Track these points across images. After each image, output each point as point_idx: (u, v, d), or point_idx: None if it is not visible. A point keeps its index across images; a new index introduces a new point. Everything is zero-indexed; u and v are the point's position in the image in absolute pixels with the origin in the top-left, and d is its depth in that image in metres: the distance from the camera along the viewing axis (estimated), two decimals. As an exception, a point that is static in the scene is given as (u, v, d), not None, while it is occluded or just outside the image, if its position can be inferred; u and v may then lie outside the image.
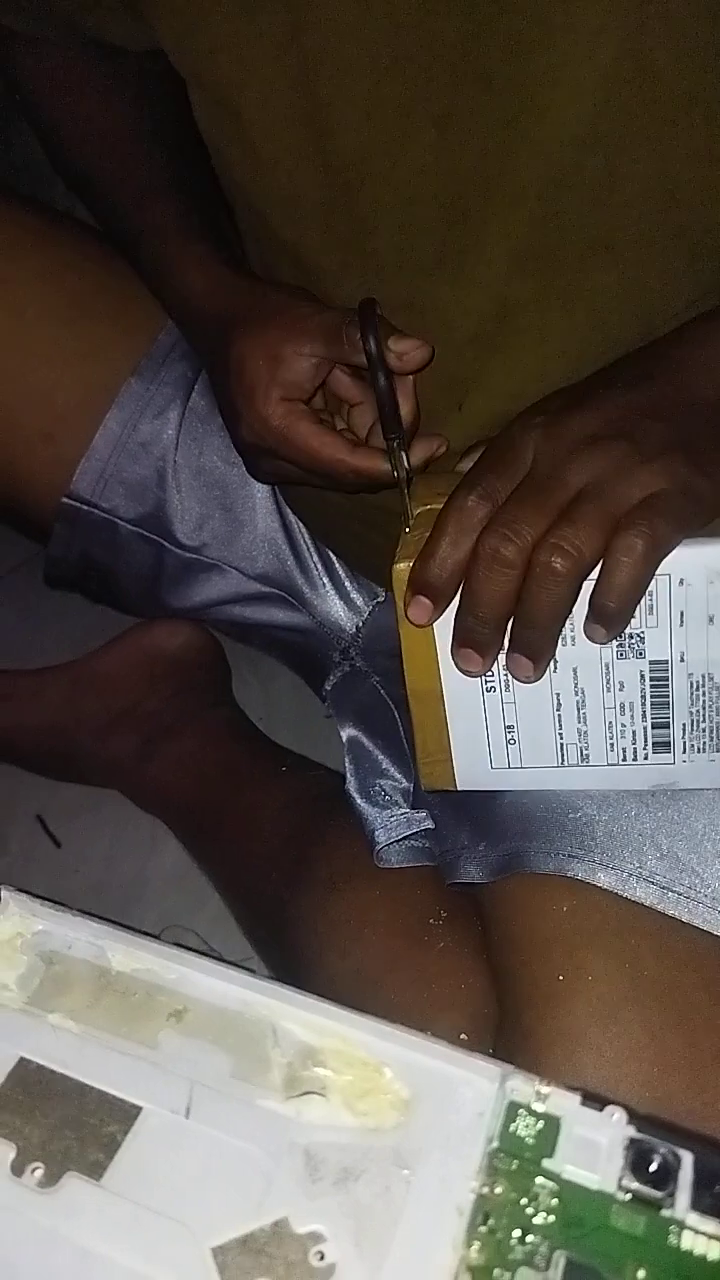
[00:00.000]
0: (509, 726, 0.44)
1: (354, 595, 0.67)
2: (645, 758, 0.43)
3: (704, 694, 0.41)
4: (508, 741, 0.44)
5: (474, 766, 0.45)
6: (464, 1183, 0.24)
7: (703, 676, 0.41)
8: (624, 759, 0.44)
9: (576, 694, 0.42)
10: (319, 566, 0.67)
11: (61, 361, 0.62)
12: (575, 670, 0.42)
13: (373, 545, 0.59)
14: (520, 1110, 0.25)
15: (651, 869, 0.44)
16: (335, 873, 0.58)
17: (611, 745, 0.43)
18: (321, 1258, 0.23)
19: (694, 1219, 0.24)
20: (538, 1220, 0.24)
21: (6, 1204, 0.23)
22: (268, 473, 0.52)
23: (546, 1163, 0.24)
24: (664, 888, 0.44)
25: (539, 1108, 0.25)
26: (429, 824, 0.56)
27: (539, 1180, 0.24)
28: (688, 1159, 0.25)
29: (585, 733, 0.43)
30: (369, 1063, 0.26)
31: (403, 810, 0.57)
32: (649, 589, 0.39)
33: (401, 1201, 0.24)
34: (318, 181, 0.47)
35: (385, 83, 0.43)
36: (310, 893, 0.58)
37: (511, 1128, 0.25)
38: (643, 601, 0.39)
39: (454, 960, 0.51)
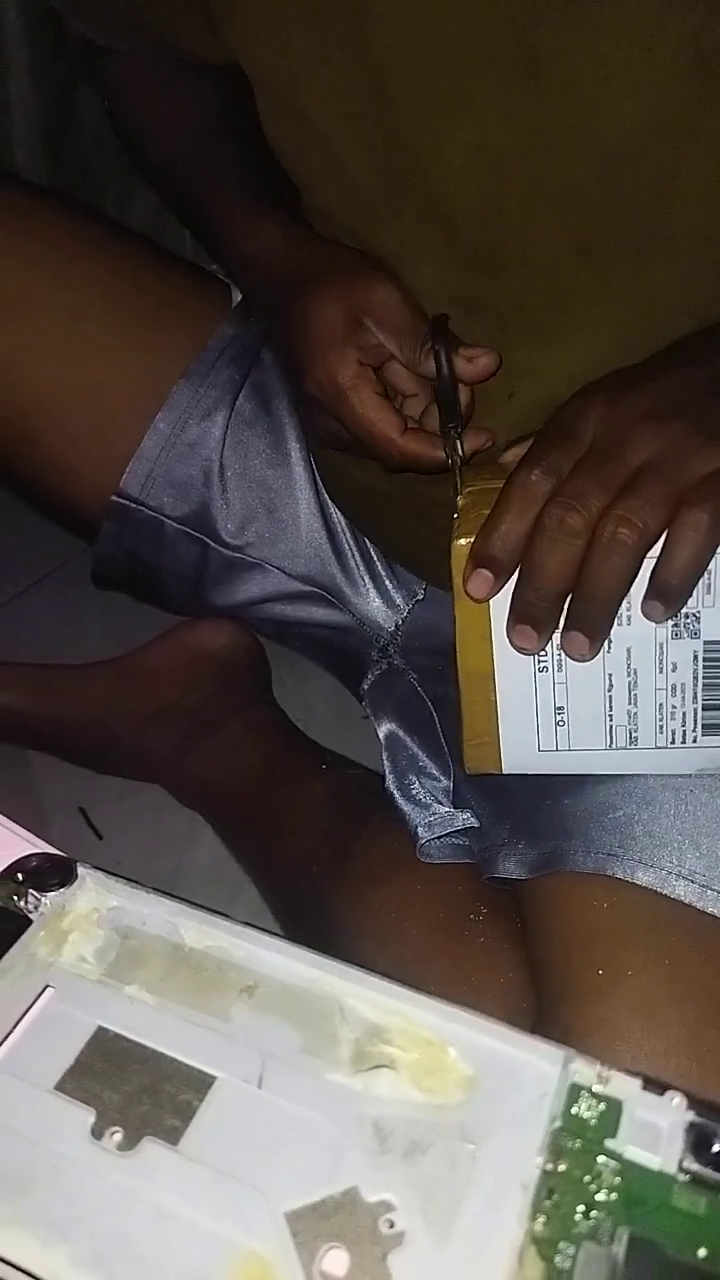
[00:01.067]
0: (559, 708, 0.44)
1: (394, 593, 0.68)
2: (695, 740, 0.44)
3: None
4: (556, 723, 0.44)
5: (521, 749, 0.45)
6: (529, 1159, 0.25)
7: None
8: (673, 741, 0.44)
9: (629, 674, 0.43)
10: (360, 565, 0.68)
11: (114, 362, 0.64)
12: (629, 650, 0.42)
13: (416, 536, 0.59)
14: (583, 1092, 0.26)
15: (691, 867, 0.45)
16: (375, 865, 0.59)
17: (661, 727, 0.44)
18: (391, 1225, 0.23)
19: (754, 1201, 0.24)
20: (600, 1197, 0.24)
21: (87, 1166, 0.24)
22: (322, 430, 0.53)
23: (609, 1143, 0.25)
24: (704, 886, 0.44)
25: (600, 1090, 0.26)
26: (473, 822, 0.56)
27: (601, 1159, 0.25)
28: (746, 1145, 0.25)
29: (635, 714, 0.44)
30: (433, 1042, 0.27)
31: (444, 808, 0.58)
32: (709, 569, 0.39)
33: (467, 1175, 0.24)
34: (379, 175, 0.48)
35: (438, 78, 0.44)
36: (350, 885, 0.59)
37: (574, 1109, 0.26)
38: (701, 581, 0.40)
39: (493, 955, 0.52)
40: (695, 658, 0.42)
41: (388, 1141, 0.25)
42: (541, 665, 0.43)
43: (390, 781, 0.60)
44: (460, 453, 0.47)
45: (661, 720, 0.44)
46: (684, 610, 0.41)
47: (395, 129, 0.46)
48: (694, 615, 0.41)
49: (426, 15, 0.43)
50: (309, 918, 0.62)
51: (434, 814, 0.58)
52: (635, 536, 0.38)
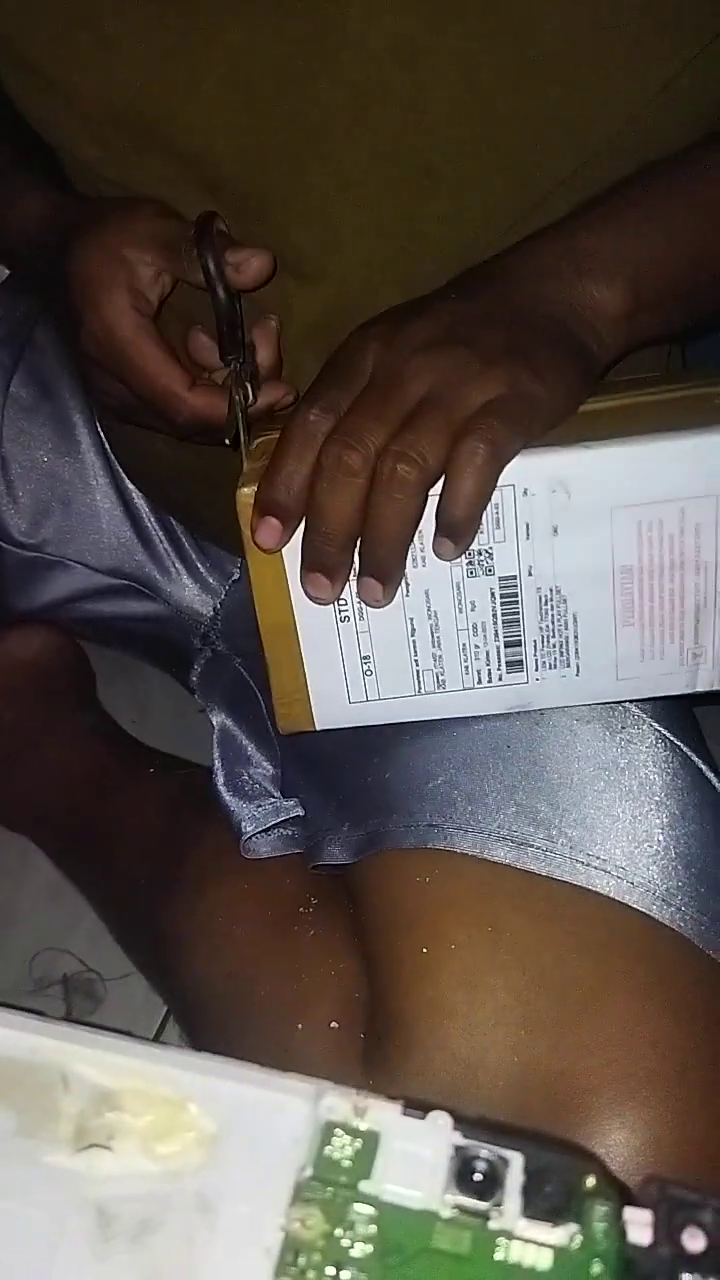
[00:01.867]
0: (365, 657, 0.43)
1: (207, 576, 0.65)
2: (500, 679, 0.43)
3: (552, 608, 0.41)
4: (364, 673, 0.43)
5: (332, 702, 0.44)
6: (273, 1219, 0.22)
7: (551, 590, 0.41)
8: (479, 681, 0.43)
9: (430, 618, 0.42)
10: (170, 551, 0.65)
11: None
12: (427, 593, 0.41)
13: (217, 508, 0.56)
14: (336, 1130, 0.23)
15: (509, 827, 0.43)
16: (203, 872, 0.56)
17: (466, 668, 0.43)
18: (113, 1327, 0.20)
19: (523, 1226, 0.22)
20: (354, 1252, 0.22)
21: None
22: (105, 394, 0.49)
23: (364, 1185, 0.23)
24: (521, 844, 0.43)
25: (358, 1124, 0.24)
26: (299, 811, 0.54)
27: (355, 1206, 0.22)
28: (516, 1161, 0.23)
29: (440, 657, 0.43)
30: (171, 1100, 0.24)
31: (271, 800, 0.55)
32: (494, 502, 0.38)
33: (203, 1249, 0.22)
34: (125, 125, 0.44)
35: (168, 13, 0.40)
36: (179, 896, 0.56)
37: (326, 1150, 0.23)
38: (489, 515, 0.39)
39: (324, 947, 0.50)
40: (492, 595, 0.41)
41: (112, 1225, 0.22)
42: (343, 615, 0.42)
43: (219, 777, 0.57)
44: (249, 391, 0.43)
45: (466, 661, 0.43)
46: (476, 548, 0.40)
47: (120, 72, 0.42)
48: (486, 552, 0.40)
49: None
50: (143, 937, 0.59)
51: (260, 806, 0.55)
52: (415, 471, 0.36)
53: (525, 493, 0.39)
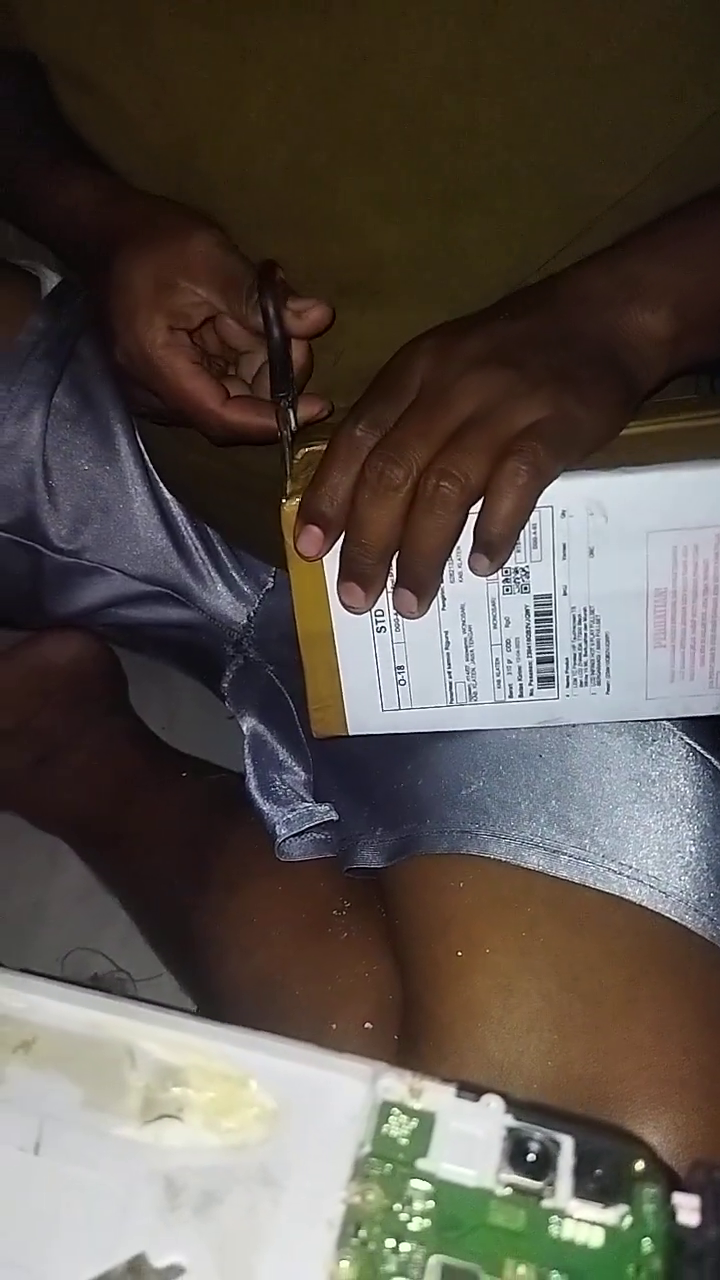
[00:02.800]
0: (399, 667, 0.44)
1: (242, 584, 0.66)
2: (531, 693, 0.44)
3: (585, 627, 0.42)
4: (398, 682, 0.44)
5: (365, 709, 0.45)
6: (334, 1193, 0.23)
7: (585, 610, 0.41)
8: (510, 695, 0.44)
9: (464, 631, 0.43)
10: (205, 559, 0.66)
11: None
12: (462, 607, 0.42)
13: (257, 518, 0.56)
14: (393, 1110, 0.24)
15: (542, 834, 0.44)
16: (235, 873, 0.56)
17: (499, 682, 0.44)
18: (182, 1291, 0.21)
19: (574, 1206, 0.23)
20: (412, 1226, 0.22)
21: None
22: (139, 404, 0.50)
23: (421, 1163, 0.23)
24: (554, 851, 0.43)
25: (413, 1105, 0.24)
26: (332, 815, 0.54)
27: (413, 1182, 0.23)
28: (567, 1144, 0.24)
29: (473, 670, 0.43)
30: (232, 1076, 0.25)
31: (304, 804, 0.56)
32: (532, 522, 0.39)
33: (268, 1221, 0.22)
34: (168, 140, 0.45)
35: (217, 29, 0.41)
36: (211, 896, 0.57)
37: (384, 1129, 0.24)
38: (526, 534, 0.40)
39: (358, 949, 0.50)
40: (527, 612, 0.42)
41: (179, 1196, 0.23)
42: (379, 625, 0.43)
43: (251, 781, 0.58)
44: (293, 423, 0.45)
45: (499, 675, 0.44)
46: (513, 566, 0.41)
47: (171, 84, 0.43)
48: (523, 570, 0.41)
49: None
50: (175, 937, 0.60)
51: (293, 810, 0.56)
52: (457, 490, 0.37)
53: (563, 514, 0.40)
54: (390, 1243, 0.22)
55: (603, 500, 0.39)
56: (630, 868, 0.43)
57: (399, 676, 0.44)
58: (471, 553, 0.39)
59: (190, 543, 0.66)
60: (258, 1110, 0.24)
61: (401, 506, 0.38)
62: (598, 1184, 0.23)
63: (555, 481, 0.39)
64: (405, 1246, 0.22)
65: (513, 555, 0.40)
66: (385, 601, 0.42)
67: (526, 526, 0.39)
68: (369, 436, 0.39)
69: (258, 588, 0.66)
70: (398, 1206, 0.23)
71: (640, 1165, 0.24)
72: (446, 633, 0.43)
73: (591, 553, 0.40)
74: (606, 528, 0.40)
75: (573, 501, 0.39)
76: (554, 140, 0.42)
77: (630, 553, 0.40)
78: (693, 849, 0.44)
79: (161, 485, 0.65)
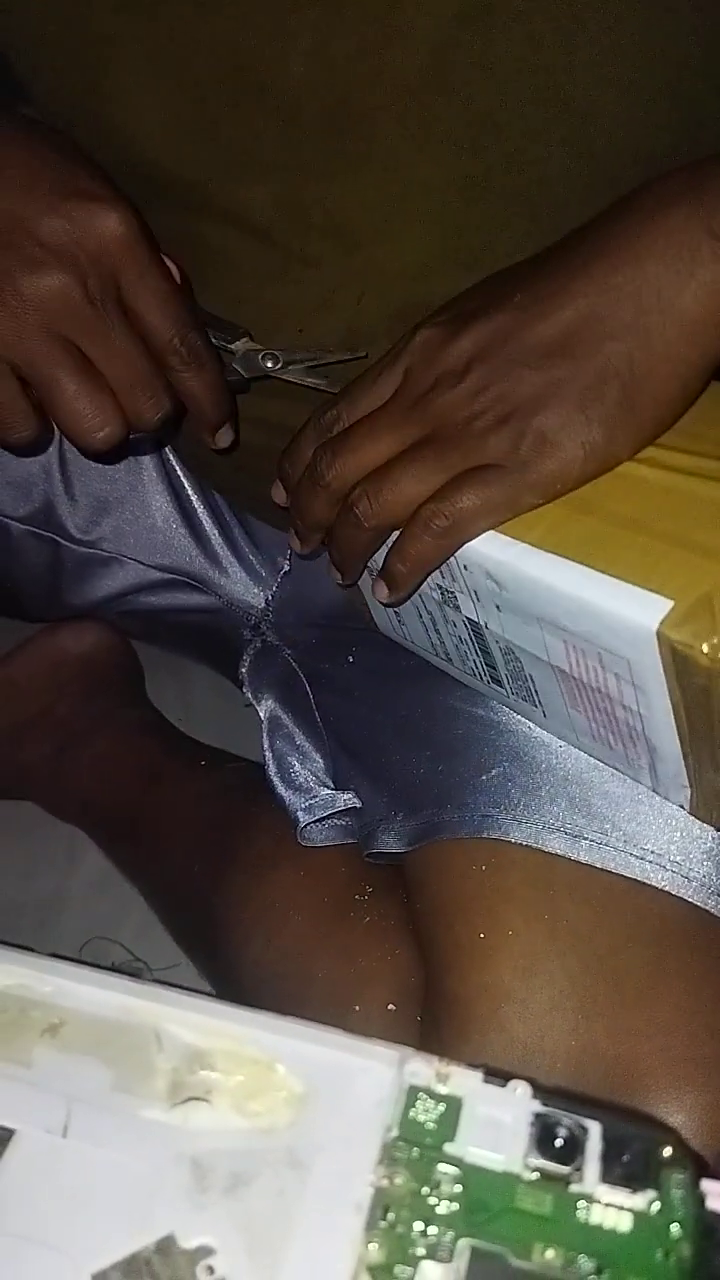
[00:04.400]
0: (395, 613, 0.46)
1: (259, 568, 0.66)
2: (488, 685, 0.45)
3: (512, 660, 0.41)
4: (397, 620, 0.47)
5: (382, 619, 0.48)
6: (362, 1177, 0.23)
7: (507, 647, 0.41)
8: (476, 680, 0.45)
9: (428, 616, 0.44)
10: (221, 544, 0.66)
11: None
12: (422, 598, 0.43)
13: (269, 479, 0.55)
14: (420, 1094, 0.24)
15: (564, 819, 0.44)
16: (257, 859, 0.57)
17: (463, 666, 0.45)
18: (211, 1272, 0.21)
19: (602, 1191, 0.23)
20: (440, 1209, 0.22)
21: None
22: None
23: (448, 1147, 0.23)
24: (576, 836, 0.43)
25: (440, 1089, 0.24)
26: (354, 802, 0.54)
27: (441, 1166, 0.23)
28: (595, 1129, 0.24)
29: (447, 650, 0.45)
30: (260, 1060, 0.25)
31: (325, 790, 0.56)
32: (449, 560, 0.39)
33: (296, 1203, 0.22)
34: (211, 99, 0.43)
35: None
36: (233, 881, 0.57)
37: (411, 1113, 0.24)
38: (447, 567, 0.39)
39: (380, 933, 0.50)
40: (466, 625, 0.42)
41: (207, 1178, 0.23)
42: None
43: (271, 767, 0.58)
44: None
45: (462, 661, 0.45)
46: (445, 586, 0.41)
47: (220, 40, 0.43)
48: (451, 593, 0.41)
49: None
50: (196, 923, 0.60)
51: (314, 797, 0.56)
52: (372, 515, 0.38)
53: (465, 568, 0.38)
54: (418, 1226, 0.22)
55: (498, 575, 0.37)
56: (652, 853, 0.43)
57: (397, 617, 0.46)
58: (376, 577, 0.40)
59: (206, 529, 0.65)
60: (285, 1094, 0.24)
61: (328, 502, 0.40)
62: (625, 1169, 0.23)
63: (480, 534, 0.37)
64: (433, 1230, 0.22)
65: (445, 577, 0.40)
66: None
67: (449, 560, 0.38)
68: (339, 421, 0.40)
69: (274, 571, 0.66)
70: (425, 1190, 0.23)
71: (668, 1151, 0.24)
72: (417, 608, 0.44)
73: (499, 608, 0.39)
74: (505, 596, 0.38)
75: (471, 559, 0.38)
76: (567, 77, 0.40)
77: (529, 626, 0.38)
78: (714, 834, 0.44)
79: (178, 471, 0.65)
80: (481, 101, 0.42)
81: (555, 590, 0.35)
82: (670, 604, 0.32)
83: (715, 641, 0.32)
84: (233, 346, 0.48)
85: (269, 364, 0.48)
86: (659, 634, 0.32)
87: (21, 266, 0.38)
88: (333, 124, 0.43)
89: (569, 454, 0.36)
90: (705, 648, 0.32)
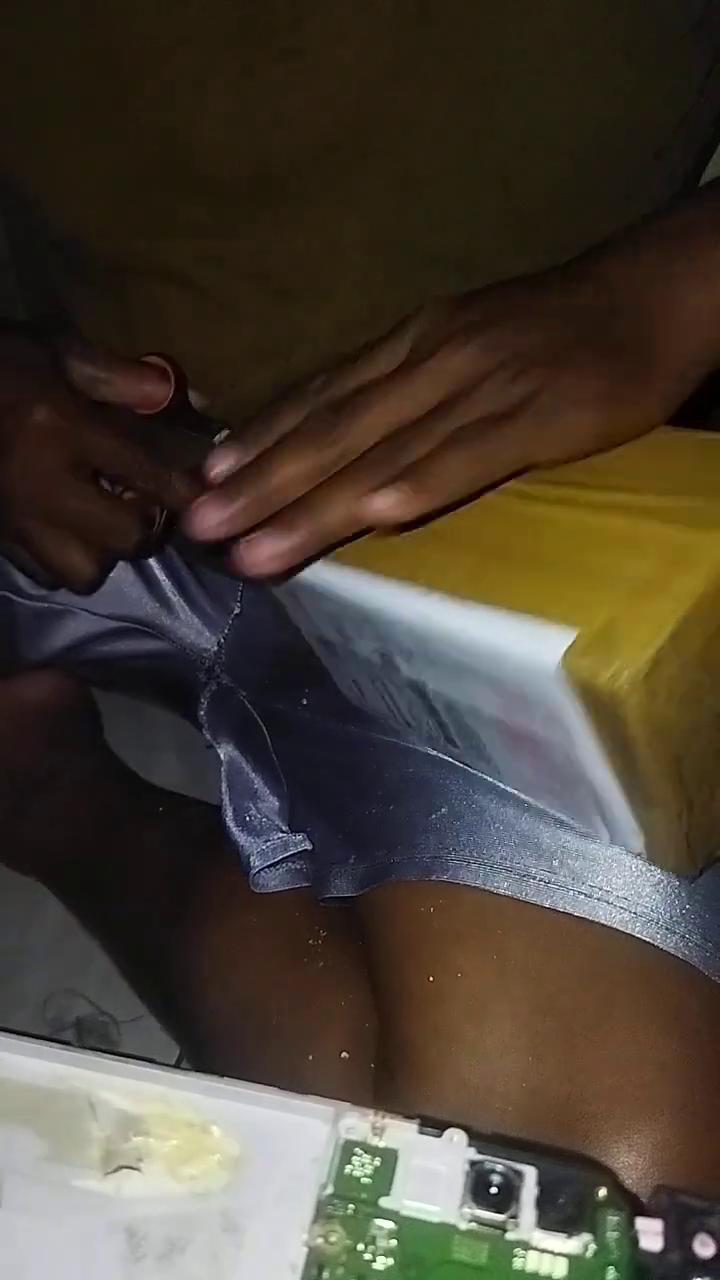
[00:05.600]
0: (355, 682, 0.47)
1: (210, 611, 0.66)
2: (445, 750, 0.45)
3: (456, 715, 0.40)
4: (359, 691, 0.47)
5: None
6: (297, 1236, 0.23)
7: (446, 701, 0.39)
8: (439, 744, 0.45)
9: (383, 684, 0.44)
10: (172, 590, 0.66)
11: None
12: (369, 665, 0.43)
13: None
14: (356, 1149, 0.24)
15: (511, 859, 0.44)
16: (212, 906, 0.56)
17: (428, 736, 0.45)
18: (145, 1344, 0.21)
19: (538, 1237, 0.23)
20: (377, 1265, 0.22)
21: None
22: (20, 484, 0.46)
23: (384, 1201, 0.23)
24: (523, 875, 0.43)
25: (376, 1143, 0.24)
26: (306, 845, 0.55)
27: (377, 1221, 0.23)
28: (530, 1174, 0.24)
29: (404, 716, 0.45)
30: (195, 1123, 0.25)
31: (280, 834, 0.56)
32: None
33: (231, 1267, 0.22)
34: (129, 163, 0.44)
35: (180, 52, 0.42)
36: (188, 930, 0.56)
37: (346, 1169, 0.24)
38: (374, 617, 0.39)
39: (334, 978, 0.50)
40: (411, 689, 0.42)
41: (142, 1246, 0.23)
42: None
43: (227, 812, 0.58)
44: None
45: (419, 729, 0.45)
46: (382, 649, 0.40)
47: (140, 114, 0.44)
48: (389, 655, 0.40)
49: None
50: (154, 974, 0.59)
51: (268, 841, 0.56)
52: (340, 508, 0.34)
53: (387, 621, 0.37)
54: (354, 1283, 0.22)
55: (411, 625, 0.36)
56: (600, 889, 0.43)
57: (356, 686, 0.46)
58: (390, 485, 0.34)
59: (156, 575, 0.66)
60: (220, 1156, 0.24)
61: (319, 467, 0.35)
62: (560, 1213, 0.23)
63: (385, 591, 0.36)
64: (369, 1287, 0.22)
65: (375, 637, 0.39)
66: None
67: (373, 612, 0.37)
68: (334, 387, 0.36)
69: (225, 614, 0.66)
70: (361, 1246, 0.23)
71: (603, 1193, 0.24)
72: (370, 677, 0.43)
73: (429, 663, 0.37)
74: (427, 648, 0.36)
75: (388, 615, 0.37)
76: (488, 131, 0.41)
77: (459, 679, 0.37)
78: None
79: None
80: (404, 164, 0.43)
81: (462, 634, 0.34)
82: (572, 635, 0.31)
83: (620, 669, 0.30)
84: (215, 440, 0.47)
85: None
86: (563, 666, 0.31)
87: None
88: (255, 186, 0.44)
89: (590, 412, 0.35)
90: (608, 675, 0.30)
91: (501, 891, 0.43)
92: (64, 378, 0.45)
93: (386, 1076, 0.43)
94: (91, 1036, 0.64)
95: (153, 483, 0.46)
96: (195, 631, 0.66)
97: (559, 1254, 0.23)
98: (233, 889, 0.56)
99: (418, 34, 0.40)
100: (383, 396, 0.35)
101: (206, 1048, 0.54)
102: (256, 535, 0.35)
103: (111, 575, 0.65)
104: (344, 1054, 0.47)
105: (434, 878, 0.44)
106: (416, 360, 0.36)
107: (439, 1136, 0.25)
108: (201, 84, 0.42)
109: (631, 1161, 0.37)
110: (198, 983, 0.54)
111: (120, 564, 0.65)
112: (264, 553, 0.34)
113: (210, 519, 0.36)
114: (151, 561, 0.65)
